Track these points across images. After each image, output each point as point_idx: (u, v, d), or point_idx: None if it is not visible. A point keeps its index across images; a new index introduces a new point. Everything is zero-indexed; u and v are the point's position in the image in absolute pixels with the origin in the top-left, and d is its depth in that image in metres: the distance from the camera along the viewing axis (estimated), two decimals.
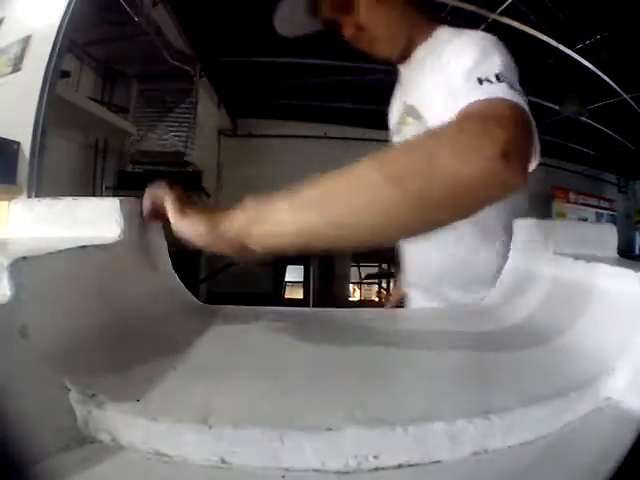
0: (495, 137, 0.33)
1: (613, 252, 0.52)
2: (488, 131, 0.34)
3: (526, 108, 0.44)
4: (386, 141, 0.82)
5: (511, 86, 0.47)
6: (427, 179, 0.32)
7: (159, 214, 0.45)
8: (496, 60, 0.53)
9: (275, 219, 0.36)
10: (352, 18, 0.63)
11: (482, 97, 0.44)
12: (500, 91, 0.46)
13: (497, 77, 0.48)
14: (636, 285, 0.36)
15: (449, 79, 0.55)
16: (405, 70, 0.73)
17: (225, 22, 3.46)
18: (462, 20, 3.40)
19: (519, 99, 0.44)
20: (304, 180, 0.39)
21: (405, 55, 0.70)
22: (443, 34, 0.67)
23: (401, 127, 0.74)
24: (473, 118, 0.40)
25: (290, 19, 0.66)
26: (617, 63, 3.71)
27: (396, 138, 0.77)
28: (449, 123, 0.38)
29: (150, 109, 3.50)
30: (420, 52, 0.69)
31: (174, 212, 0.42)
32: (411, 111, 0.69)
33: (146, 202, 0.46)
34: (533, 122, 0.45)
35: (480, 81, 0.48)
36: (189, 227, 0.41)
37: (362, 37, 0.65)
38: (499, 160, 0.32)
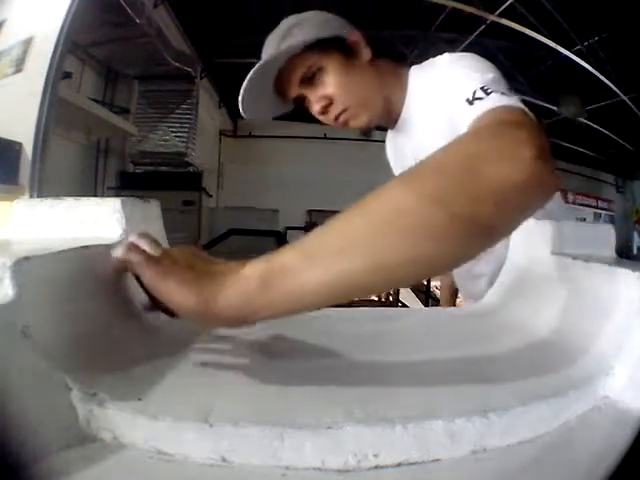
0: (525, 140, 0.30)
1: (611, 252, 0.52)
2: (515, 135, 0.31)
3: (524, 108, 0.43)
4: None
5: (501, 93, 0.46)
6: (473, 193, 0.27)
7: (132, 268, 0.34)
8: (475, 75, 0.51)
9: (295, 279, 0.27)
10: (321, 89, 0.58)
11: (481, 111, 0.43)
12: (497, 101, 0.44)
13: (485, 91, 0.46)
14: (634, 285, 0.36)
15: (447, 116, 0.52)
16: (398, 133, 0.66)
17: (226, 23, 3.46)
18: (461, 22, 3.41)
19: (515, 101, 0.44)
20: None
21: (391, 117, 0.64)
22: (416, 78, 0.62)
23: None
24: (491, 126, 0.37)
25: (257, 102, 0.59)
26: (615, 64, 3.72)
27: None
28: (469, 135, 0.35)
29: (151, 110, 3.51)
30: (407, 107, 0.63)
31: (150, 269, 0.32)
32: None
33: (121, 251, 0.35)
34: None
35: (470, 102, 0.46)
36: (171, 292, 0.30)
37: (333, 110, 0.59)
38: (537, 161, 0.29)
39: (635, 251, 6.60)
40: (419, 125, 0.62)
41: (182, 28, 3.29)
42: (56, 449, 0.26)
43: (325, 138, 5.46)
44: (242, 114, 0.61)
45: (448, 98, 0.52)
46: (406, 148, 0.66)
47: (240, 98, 0.58)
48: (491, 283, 0.62)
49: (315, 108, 0.59)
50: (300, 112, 0.65)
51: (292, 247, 0.29)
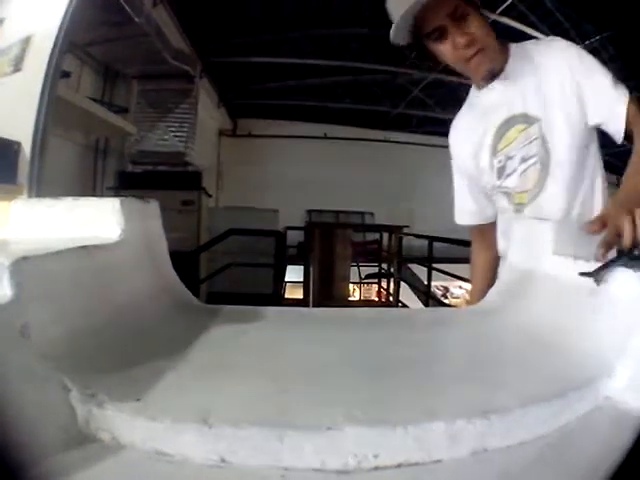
0: None
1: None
2: None
3: None
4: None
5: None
6: None
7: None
8: (599, 61, 0.74)
9: None
10: (466, 27, 0.71)
11: (625, 97, 0.70)
12: (625, 89, 0.71)
13: (615, 78, 0.70)
14: (635, 285, 0.36)
15: (573, 78, 0.73)
16: (499, 85, 0.81)
17: (225, 22, 3.46)
18: None
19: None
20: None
21: (500, 70, 0.79)
22: (519, 48, 0.79)
23: (510, 135, 0.80)
24: None
25: (396, 28, 0.70)
26: (618, 63, 3.72)
27: (503, 150, 0.80)
28: None
29: (150, 109, 3.51)
30: (511, 66, 0.78)
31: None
32: (520, 119, 0.78)
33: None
34: None
35: (614, 86, 0.70)
36: None
37: (472, 47, 0.72)
38: None
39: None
40: (528, 83, 0.78)
41: (181, 27, 3.28)
42: (55, 450, 0.26)
43: (324, 138, 5.46)
44: (391, 38, 0.72)
45: (583, 70, 0.73)
46: (506, 99, 0.80)
47: (397, 23, 0.69)
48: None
49: (459, 40, 0.72)
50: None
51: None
